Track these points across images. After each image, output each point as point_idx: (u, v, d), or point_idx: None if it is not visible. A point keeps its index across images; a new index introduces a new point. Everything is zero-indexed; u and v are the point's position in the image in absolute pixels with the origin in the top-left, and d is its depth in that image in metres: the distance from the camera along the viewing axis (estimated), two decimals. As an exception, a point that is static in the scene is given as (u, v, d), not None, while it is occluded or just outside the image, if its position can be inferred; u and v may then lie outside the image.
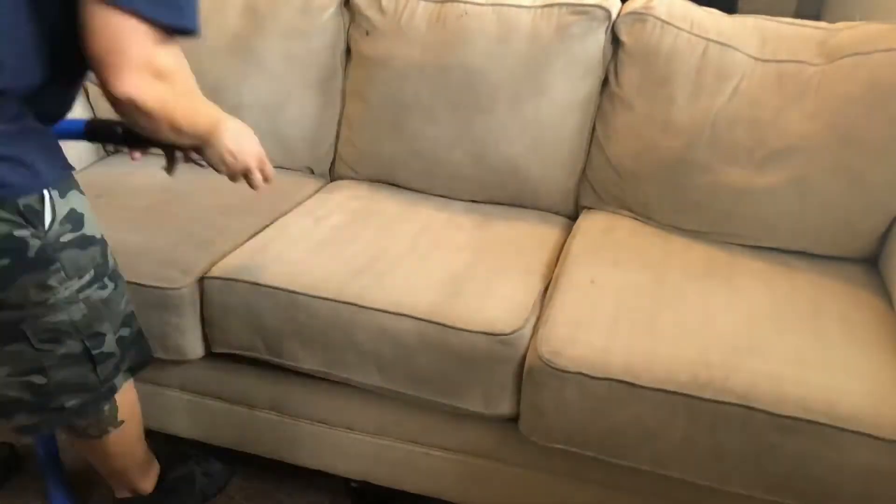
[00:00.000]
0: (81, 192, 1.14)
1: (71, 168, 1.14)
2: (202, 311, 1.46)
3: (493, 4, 1.69)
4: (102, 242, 1.19)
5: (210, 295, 1.43)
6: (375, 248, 1.50)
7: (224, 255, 1.49)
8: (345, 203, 1.70)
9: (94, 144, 1.90)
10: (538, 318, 1.36)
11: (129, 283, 1.41)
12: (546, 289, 1.45)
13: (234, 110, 1.79)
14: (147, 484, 1.48)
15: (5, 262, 1.05)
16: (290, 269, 1.42)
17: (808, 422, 1.17)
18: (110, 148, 1.92)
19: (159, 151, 1.26)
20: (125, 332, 1.25)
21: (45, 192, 1.06)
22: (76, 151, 1.84)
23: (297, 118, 1.82)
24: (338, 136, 1.85)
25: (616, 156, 1.66)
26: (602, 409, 1.25)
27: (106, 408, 1.28)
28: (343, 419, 1.51)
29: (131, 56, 0.96)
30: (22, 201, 1.03)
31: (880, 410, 1.17)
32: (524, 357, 1.30)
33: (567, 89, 1.66)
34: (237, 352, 1.46)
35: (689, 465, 1.26)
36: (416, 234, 1.57)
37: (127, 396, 1.32)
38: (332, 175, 1.88)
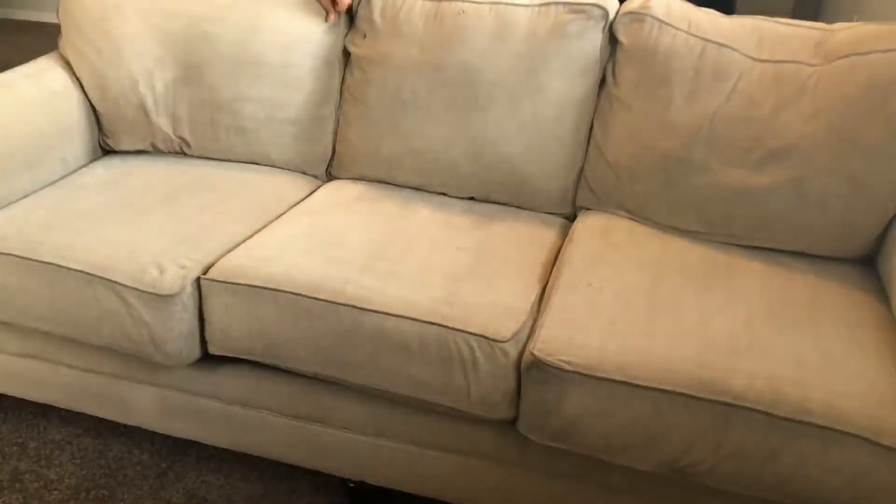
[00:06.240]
0: None
1: None
2: (200, 313, 1.45)
3: (490, 3, 1.68)
4: None
5: (208, 296, 1.43)
6: (373, 249, 1.49)
7: (221, 256, 1.49)
8: (342, 203, 1.70)
9: (92, 143, 1.89)
10: (536, 320, 1.36)
11: (125, 285, 1.42)
12: (544, 290, 1.45)
13: (233, 109, 1.82)
14: None
15: None
16: (289, 271, 1.42)
17: (807, 423, 1.17)
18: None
19: None
20: None
21: None
22: (74, 150, 1.84)
23: (295, 118, 1.82)
24: (335, 136, 1.85)
25: (614, 156, 1.65)
26: (600, 409, 1.26)
27: None
28: (341, 419, 1.50)
29: None
30: None
31: (879, 412, 1.17)
32: (523, 359, 1.30)
33: (564, 88, 1.66)
34: (235, 354, 1.46)
35: (688, 464, 1.26)
36: (414, 234, 1.57)
37: None
38: (330, 175, 1.88)
